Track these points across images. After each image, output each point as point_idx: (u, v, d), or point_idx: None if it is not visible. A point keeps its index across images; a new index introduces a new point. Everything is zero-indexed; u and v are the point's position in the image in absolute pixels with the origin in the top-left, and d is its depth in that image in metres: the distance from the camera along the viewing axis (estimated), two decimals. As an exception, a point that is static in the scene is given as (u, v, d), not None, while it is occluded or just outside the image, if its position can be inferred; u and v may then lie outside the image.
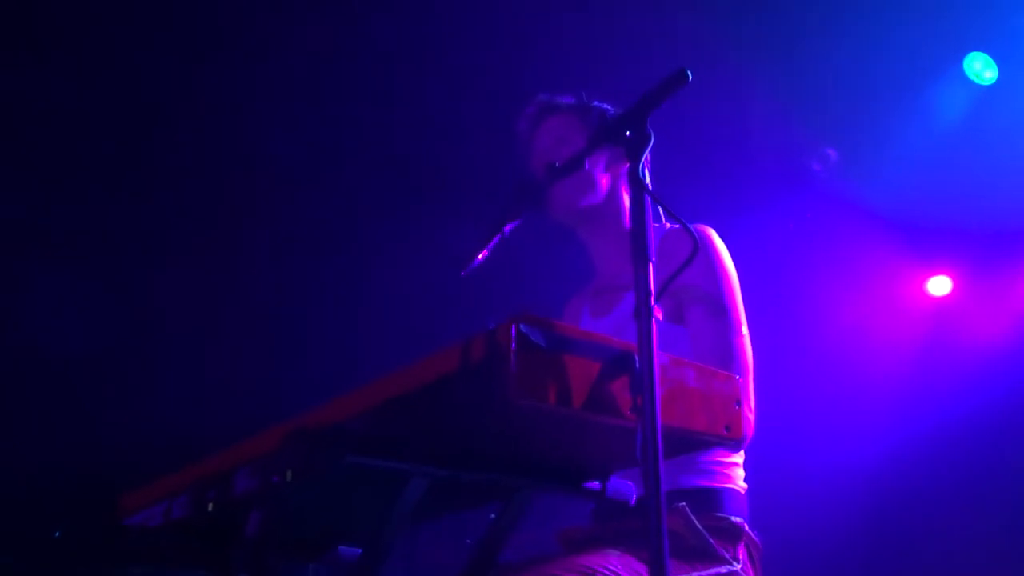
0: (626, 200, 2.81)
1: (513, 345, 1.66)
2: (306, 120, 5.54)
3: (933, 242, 6.28)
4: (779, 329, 5.70)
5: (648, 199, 1.91)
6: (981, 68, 5.84)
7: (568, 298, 3.07)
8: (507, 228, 2.39)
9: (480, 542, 2.16)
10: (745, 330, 2.58)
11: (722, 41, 5.34)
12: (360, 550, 2.56)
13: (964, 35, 5.75)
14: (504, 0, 5.23)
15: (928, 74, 5.86)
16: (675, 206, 2.79)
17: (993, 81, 5.83)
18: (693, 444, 1.90)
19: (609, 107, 2.92)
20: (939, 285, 6.43)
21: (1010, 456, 5.98)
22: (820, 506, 5.98)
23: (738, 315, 2.59)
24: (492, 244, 2.39)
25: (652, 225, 1.91)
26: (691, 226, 2.71)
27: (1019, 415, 6.00)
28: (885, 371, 6.28)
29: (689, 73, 1.85)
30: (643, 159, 1.86)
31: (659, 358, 1.78)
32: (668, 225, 2.80)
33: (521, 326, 1.68)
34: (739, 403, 1.88)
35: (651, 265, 1.81)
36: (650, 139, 1.88)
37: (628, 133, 1.88)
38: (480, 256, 2.39)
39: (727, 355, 2.51)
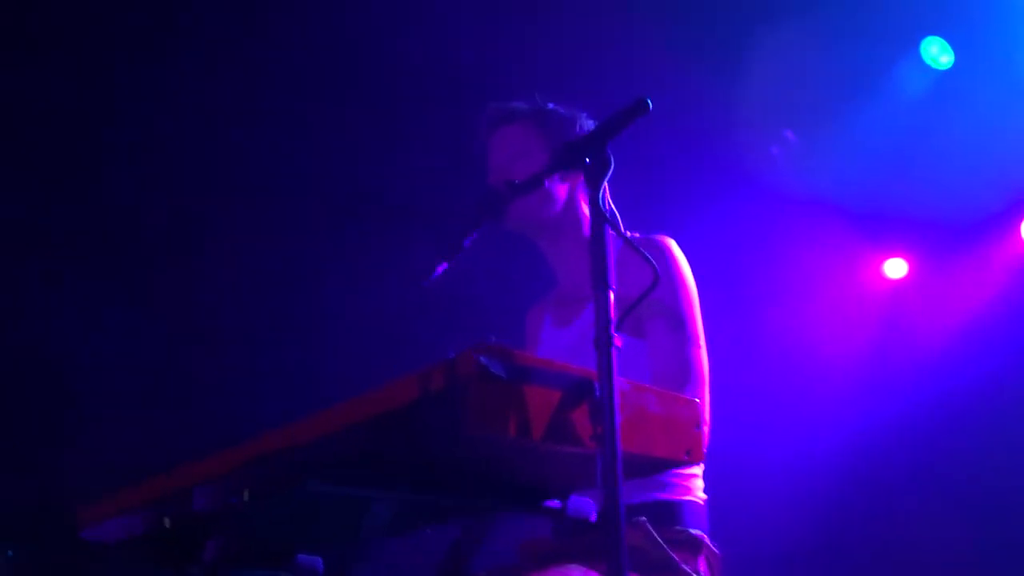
0: (585, 209, 2.80)
1: (472, 377, 1.66)
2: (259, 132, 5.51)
3: (889, 226, 6.32)
4: (736, 318, 5.73)
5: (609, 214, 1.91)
6: (938, 52, 5.86)
7: (530, 306, 3.06)
8: (466, 242, 2.37)
9: (446, 560, 2.16)
10: (703, 342, 2.60)
11: (671, 29, 5.36)
12: (320, 558, 2.55)
13: (921, 19, 5.77)
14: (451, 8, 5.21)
15: (885, 59, 5.88)
16: (633, 205, 2.81)
17: (949, 66, 5.86)
18: (653, 468, 1.90)
19: (564, 110, 2.88)
20: (896, 268, 6.49)
21: (970, 436, 6.01)
22: (780, 495, 6.01)
23: (696, 328, 2.60)
24: (453, 257, 2.37)
25: (611, 247, 1.90)
26: (651, 237, 2.74)
27: (978, 396, 6.05)
28: (843, 357, 6.31)
29: (650, 103, 1.84)
30: (603, 186, 1.86)
31: (619, 384, 1.78)
32: (629, 233, 2.79)
33: (481, 358, 1.67)
34: (699, 426, 1.89)
35: (611, 292, 1.80)
36: (609, 165, 1.87)
37: (588, 160, 1.87)
38: (440, 268, 2.37)
39: (684, 368, 2.52)
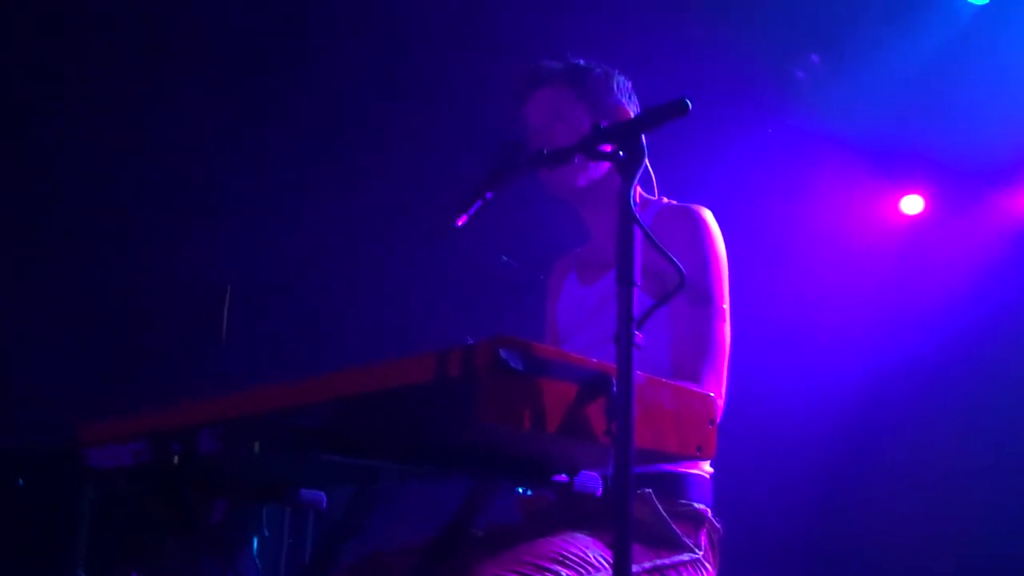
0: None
1: (490, 368, 1.64)
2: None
3: (908, 163, 6.26)
4: (755, 255, 5.70)
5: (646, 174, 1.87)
6: (977, -13, 5.73)
7: (557, 258, 3.04)
8: (488, 195, 2.33)
9: (450, 522, 2.18)
10: (727, 316, 2.58)
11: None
12: (323, 493, 2.58)
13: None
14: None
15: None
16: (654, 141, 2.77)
17: (986, 1, 5.72)
18: (663, 460, 1.91)
19: (598, 67, 2.81)
20: (912, 204, 6.44)
21: (982, 370, 6.01)
22: (792, 428, 6.04)
23: (722, 302, 2.58)
24: (473, 209, 2.33)
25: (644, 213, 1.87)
26: (686, 206, 2.70)
27: (995, 331, 6.04)
28: (861, 294, 6.30)
29: (689, 103, 1.79)
30: (635, 180, 1.81)
31: (636, 379, 1.77)
32: (664, 200, 2.76)
33: (500, 350, 1.66)
34: (712, 422, 1.88)
35: (635, 289, 1.78)
36: (643, 158, 1.83)
37: (622, 153, 1.83)
38: (460, 221, 2.33)
39: (705, 342, 2.51)
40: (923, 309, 6.17)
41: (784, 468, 5.89)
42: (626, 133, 1.85)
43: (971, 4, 5.75)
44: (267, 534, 5.67)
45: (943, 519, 5.78)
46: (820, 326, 6.26)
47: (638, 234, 1.80)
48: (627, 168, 1.81)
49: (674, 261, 1.84)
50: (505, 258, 4.56)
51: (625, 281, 1.77)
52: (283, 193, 5.76)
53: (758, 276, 5.77)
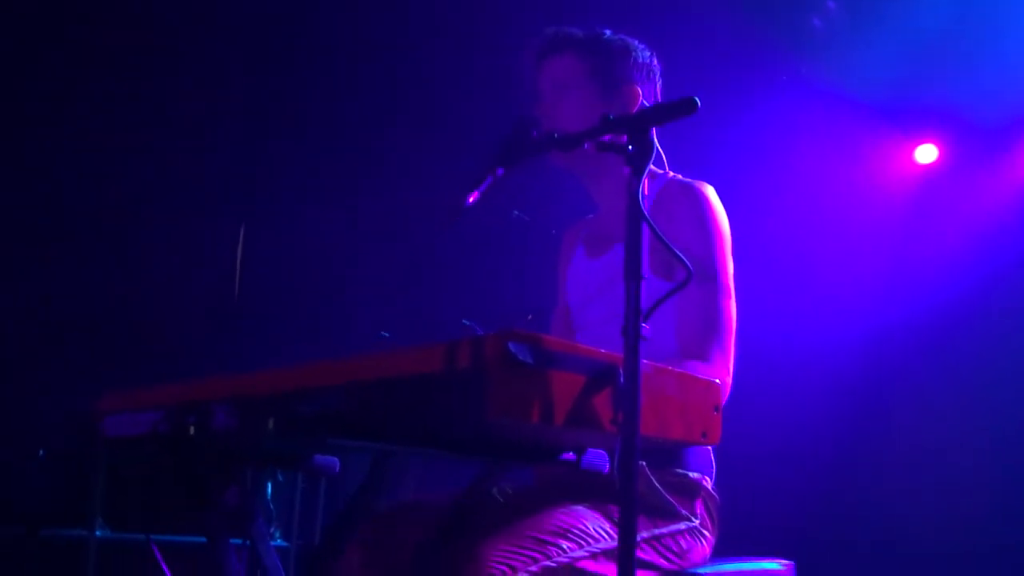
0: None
1: (499, 363, 1.67)
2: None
3: (922, 112, 6.22)
4: (769, 208, 5.71)
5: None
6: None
7: (568, 226, 3.05)
8: (499, 171, 2.34)
9: (460, 497, 2.23)
10: (732, 292, 2.60)
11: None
12: (336, 459, 2.62)
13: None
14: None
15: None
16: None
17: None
18: (668, 446, 1.94)
19: (618, 41, 2.80)
20: (926, 153, 6.41)
21: (1002, 323, 6.01)
22: (804, 382, 6.07)
23: (727, 279, 2.60)
24: (483, 187, 2.35)
25: (650, 187, 1.88)
26: (690, 182, 2.71)
27: (1009, 281, 6.03)
28: (875, 245, 6.29)
29: (698, 102, 1.80)
30: (644, 174, 1.83)
31: (643, 368, 1.80)
32: (671, 174, 2.77)
33: (509, 344, 1.68)
34: (717, 408, 1.91)
35: (643, 282, 1.80)
36: (653, 150, 1.84)
37: (631, 147, 1.84)
38: (471, 199, 2.34)
39: (711, 320, 2.53)
40: (937, 260, 6.17)
41: (786, 428, 5.92)
42: (635, 126, 1.86)
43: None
44: (280, 479, 5.78)
45: (948, 481, 5.82)
46: (833, 279, 6.26)
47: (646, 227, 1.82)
48: (636, 162, 1.83)
49: (681, 257, 1.86)
50: (517, 212, 4.58)
51: (633, 276, 1.79)
52: (294, 176, 5.79)
53: (769, 231, 5.79)
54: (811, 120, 6.12)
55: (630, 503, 1.75)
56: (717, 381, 1.93)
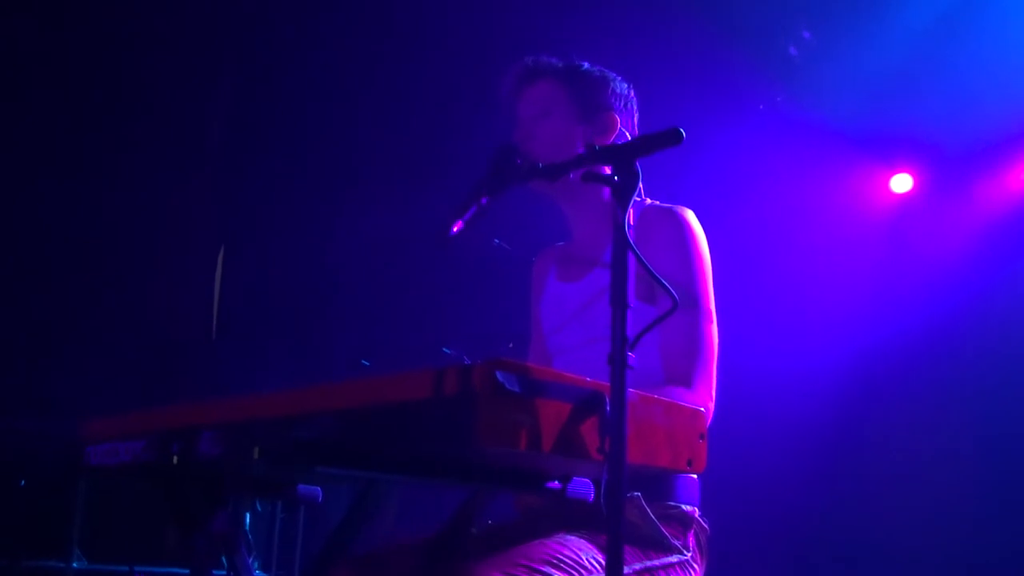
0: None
1: (488, 392, 1.68)
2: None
3: (896, 143, 6.31)
4: (746, 236, 5.74)
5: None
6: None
7: (539, 253, 3.06)
8: (484, 200, 2.36)
9: (447, 525, 2.23)
10: (714, 316, 2.62)
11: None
12: (319, 488, 2.62)
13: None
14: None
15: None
16: (643, 124, 2.78)
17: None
18: (653, 473, 1.95)
19: (598, 71, 2.83)
20: (901, 183, 6.49)
21: (976, 349, 6.06)
22: (785, 409, 6.10)
23: (708, 304, 2.62)
24: (468, 215, 2.36)
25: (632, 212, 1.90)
26: (670, 207, 2.73)
27: (982, 307, 6.08)
28: (852, 273, 6.35)
29: (683, 133, 1.82)
30: (630, 204, 1.85)
31: (629, 397, 1.81)
32: (648, 200, 2.78)
33: (497, 373, 1.69)
34: (703, 436, 1.93)
35: (629, 311, 1.81)
36: (638, 181, 1.86)
37: (616, 178, 1.86)
38: (456, 227, 2.36)
39: (694, 345, 2.55)
40: (912, 286, 6.23)
41: (771, 454, 5.95)
42: (620, 157, 1.88)
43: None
44: (259, 509, 5.74)
45: (931, 500, 5.85)
46: (811, 306, 6.31)
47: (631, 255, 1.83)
48: (621, 192, 1.85)
49: (667, 287, 1.88)
50: (497, 240, 4.59)
51: (619, 304, 1.81)
52: (283, 204, 5.81)
53: (749, 257, 5.83)
54: (789, 149, 6.18)
55: (617, 530, 1.76)
56: (702, 409, 1.95)
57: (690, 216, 2.70)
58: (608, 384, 1.80)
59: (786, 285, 6.29)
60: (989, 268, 6.14)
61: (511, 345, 4.27)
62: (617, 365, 1.78)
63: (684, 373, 2.52)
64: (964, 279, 6.14)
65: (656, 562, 2.40)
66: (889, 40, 5.88)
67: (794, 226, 6.34)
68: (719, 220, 2.81)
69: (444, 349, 4.43)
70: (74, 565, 3.70)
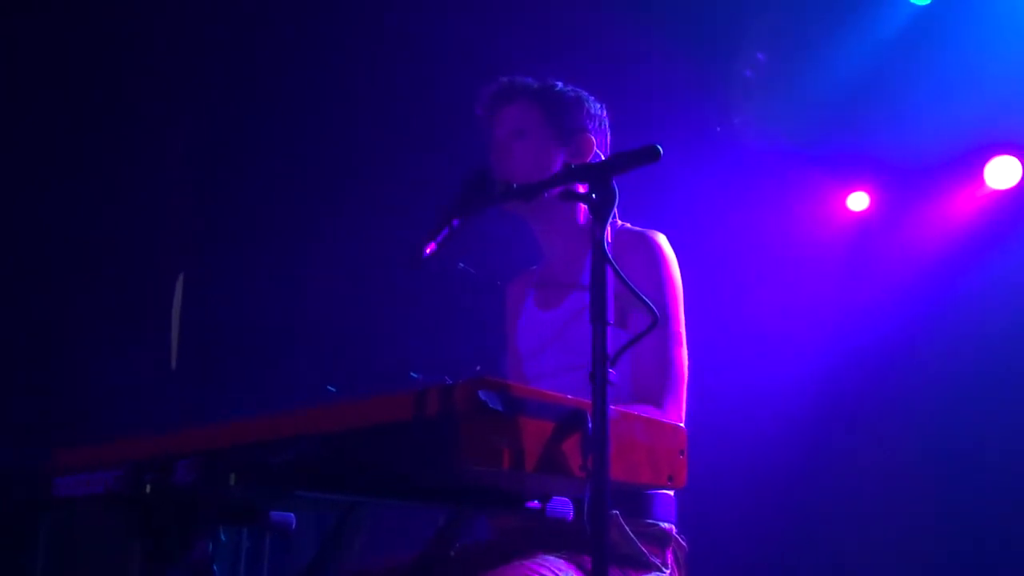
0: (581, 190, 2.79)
1: (470, 412, 1.68)
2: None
3: (853, 161, 6.39)
4: (705, 257, 5.78)
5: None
6: (918, -13, 5.84)
7: (511, 279, 3.07)
8: (455, 222, 2.36)
9: (427, 548, 2.22)
10: (684, 340, 2.64)
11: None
12: (292, 515, 2.60)
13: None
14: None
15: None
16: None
17: (928, 2, 5.84)
18: (634, 490, 1.96)
19: (571, 92, 2.84)
20: (858, 201, 6.58)
21: (935, 362, 6.13)
22: (751, 425, 6.13)
23: (678, 326, 2.65)
24: (440, 237, 2.37)
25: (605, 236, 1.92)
26: (642, 231, 2.75)
27: (940, 322, 6.16)
28: (811, 291, 6.41)
29: (660, 150, 1.84)
30: (608, 222, 1.86)
31: (610, 414, 1.82)
32: (620, 223, 2.80)
33: (479, 392, 1.70)
34: (683, 452, 1.94)
35: (608, 328, 1.83)
36: (615, 199, 1.88)
37: (594, 196, 1.87)
38: (428, 249, 2.36)
39: (664, 367, 2.58)
40: (871, 303, 6.31)
41: (740, 470, 5.98)
42: (597, 176, 1.90)
43: (913, 4, 5.87)
44: (223, 539, 5.67)
45: (898, 510, 5.92)
46: (773, 323, 6.36)
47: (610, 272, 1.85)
48: (599, 210, 1.86)
49: (647, 302, 1.89)
50: (462, 265, 4.60)
51: (599, 320, 1.82)
52: (235, 227, 5.78)
53: (709, 276, 5.86)
54: (747, 169, 6.24)
55: (601, 548, 1.76)
56: (681, 425, 1.96)
57: (662, 240, 2.72)
58: (589, 402, 1.81)
59: (746, 303, 6.34)
60: (944, 283, 6.22)
61: (479, 368, 4.27)
62: (598, 381, 1.79)
63: (655, 394, 2.55)
64: (921, 294, 6.22)
65: (635, 580, 2.41)
66: (844, 61, 5.97)
67: (753, 245, 6.39)
68: (676, 242, 2.82)
69: (412, 374, 4.42)
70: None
